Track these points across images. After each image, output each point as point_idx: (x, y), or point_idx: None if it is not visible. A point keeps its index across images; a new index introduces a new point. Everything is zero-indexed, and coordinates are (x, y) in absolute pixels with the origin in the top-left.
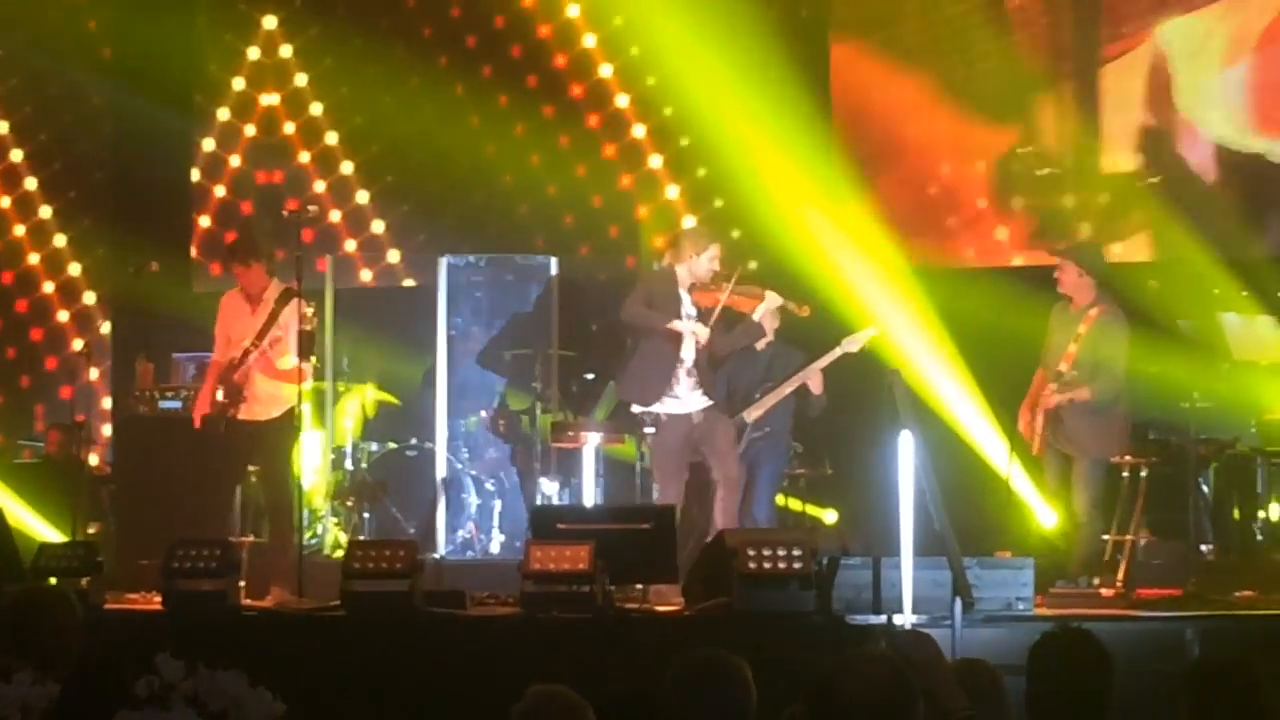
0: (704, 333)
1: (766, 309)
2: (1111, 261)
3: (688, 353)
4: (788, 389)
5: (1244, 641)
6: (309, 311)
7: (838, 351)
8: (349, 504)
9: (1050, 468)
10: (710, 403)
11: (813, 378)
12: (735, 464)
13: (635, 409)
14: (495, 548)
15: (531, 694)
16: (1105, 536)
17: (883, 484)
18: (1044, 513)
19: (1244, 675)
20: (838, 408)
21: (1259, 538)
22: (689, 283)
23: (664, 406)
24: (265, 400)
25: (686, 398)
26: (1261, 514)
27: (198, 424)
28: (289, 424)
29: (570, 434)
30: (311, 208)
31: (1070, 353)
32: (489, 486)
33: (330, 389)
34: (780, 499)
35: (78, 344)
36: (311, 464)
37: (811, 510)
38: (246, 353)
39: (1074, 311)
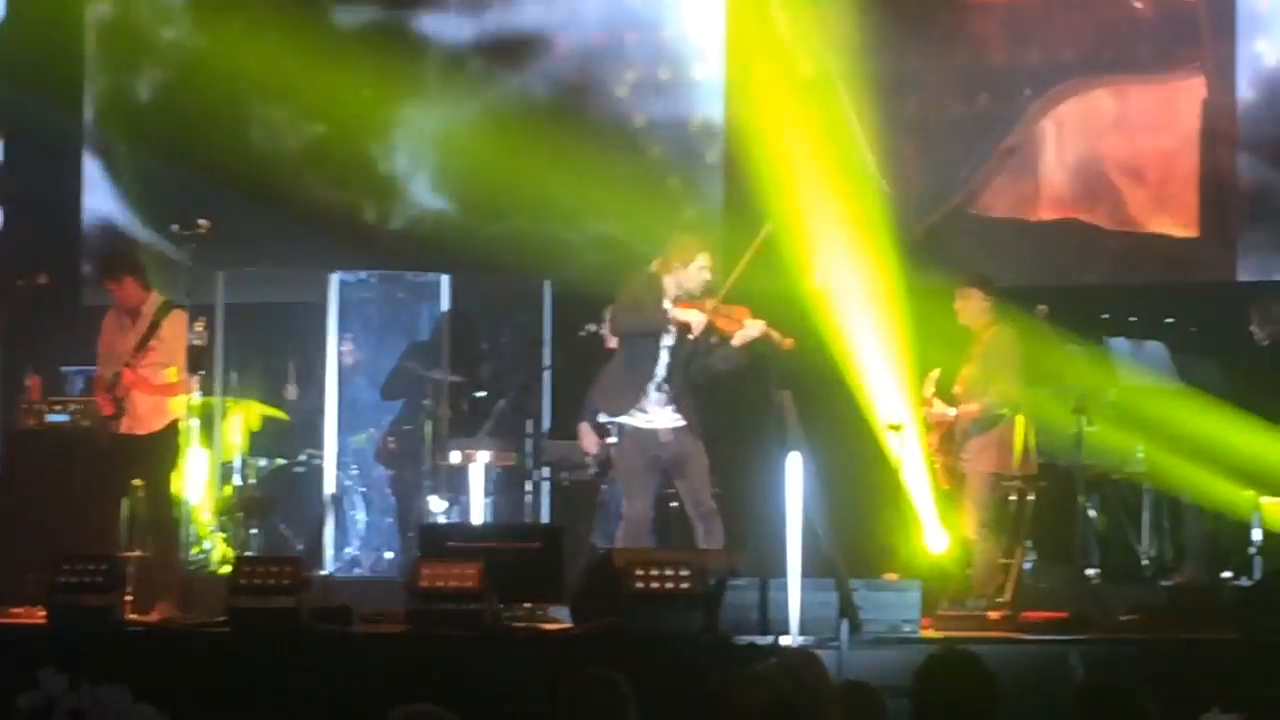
0: (700, 319)
1: (745, 336)
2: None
3: (661, 368)
4: None
5: (1129, 665)
6: (199, 326)
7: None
8: (236, 519)
9: (955, 490)
10: (683, 423)
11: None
12: (709, 497)
13: (601, 418)
14: (384, 565)
15: (398, 714)
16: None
17: (771, 505)
18: (934, 535)
19: (1129, 700)
20: (726, 428)
21: (1144, 562)
22: (674, 293)
23: (630, 419)
24: (146, 415)
25: (655, 414)
26: (1147, 538)
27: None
28: (171, 438)
29: (460, 452)
30: (201, 223)
31: (964, 374)
32: (378, 504)
33: (219, 404)
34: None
35: None
36: (199, 479)
37: None
38: (126, 366)
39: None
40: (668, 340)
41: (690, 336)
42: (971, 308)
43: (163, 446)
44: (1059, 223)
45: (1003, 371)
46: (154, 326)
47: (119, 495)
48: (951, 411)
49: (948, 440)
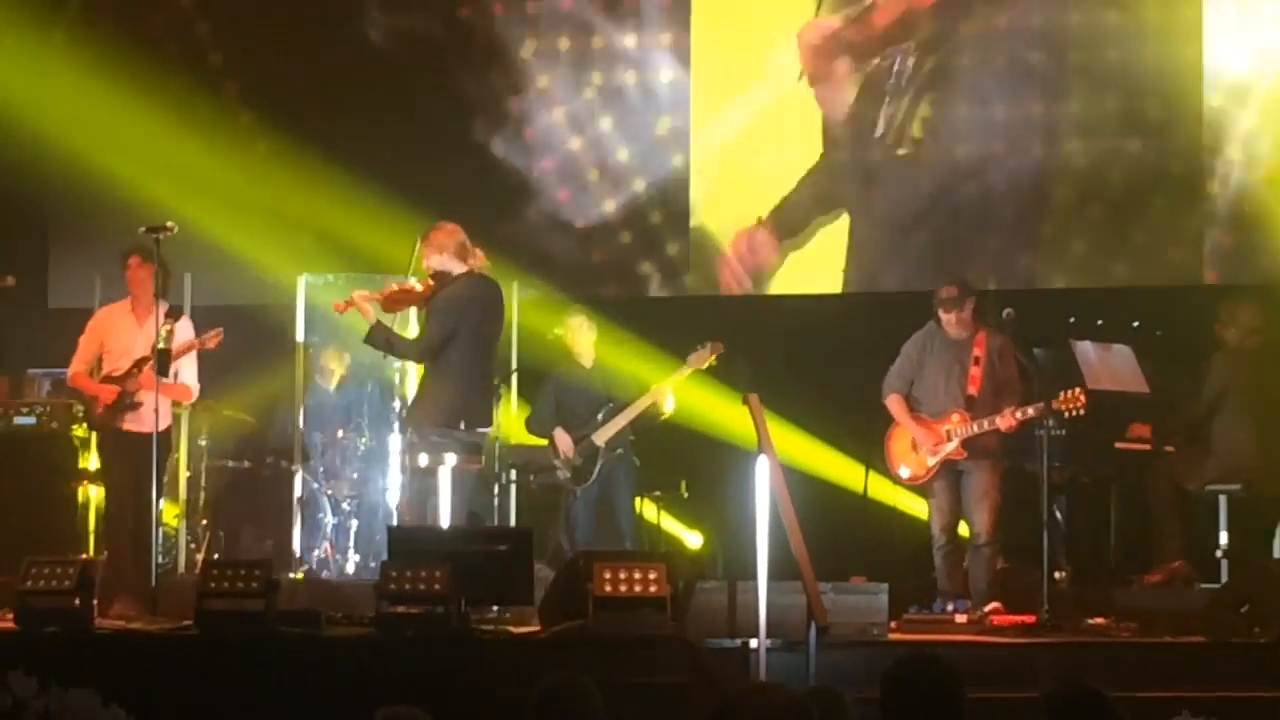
0: None
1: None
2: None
3: None
4: (637, 409)
5: (1096, 668)
6: (166, 329)
7: (685, 369)
8: (204, 522)
9: (941, 490)
10: None
11: (663, 396)
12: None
13: None
14: (351, 568)
15: (382, 715)
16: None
17: (739, 507)
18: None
19: (1099, 704)
20: (693, 430)
21: (1111, 565)
22: None
23: None
24: (150, 414)
25: None
26: (1114, 541)
27: (108, 403)
28: (169, 440)
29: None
30: (170, 224)
31: (974, 376)
32: (345, 506)
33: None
34: (653, 517)
35: None
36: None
37: (672, 531)
38: (138, 364)
39: (951, 340)
40: None
41: None
42: (963, 318)
43: (163, 447)
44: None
45: (1013, 377)
46: (168, 329)
47: (121, 490)
48: (988, 423)
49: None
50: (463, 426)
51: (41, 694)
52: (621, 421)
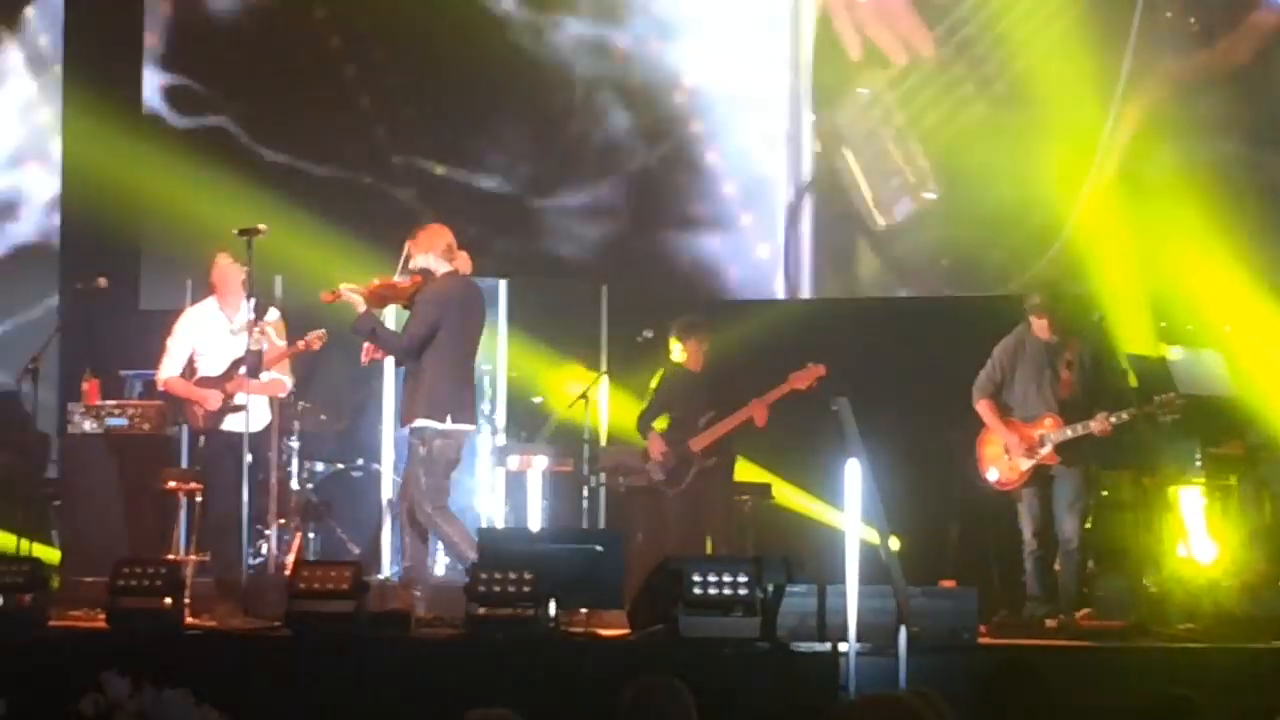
0: None
1: None
2: None
3: None
4: (734, 422)
5: (1186, 674)
6: (259, 330)
7: (785, 387)
8: (294, 524)
9: (1032, 494)
10: None
11: (758, 411)
12: None
13: None
14: (440, 570)
15: (471, 717)
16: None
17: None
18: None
19: (1190, 710)
20: (785, 435)
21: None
22: None
23: None
24: (253, 413)
25: None
26: (1204, 547)
27: (213, 407)
28: (268, 439)
29: (517, 457)
30: (262, 226)
31: (1066, 380)
32: None
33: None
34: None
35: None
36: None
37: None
38: (235, 365)
39: (1043, 343)
40: None
41: None
42: (1055, 323)
43: (261, 446)
44: None
45: (1107, 381)
46: (260, 330)
47: (219, 491)
48: (1082, 427)
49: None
50: (449, 421)
51: (135, 695)
52: (719, 431)
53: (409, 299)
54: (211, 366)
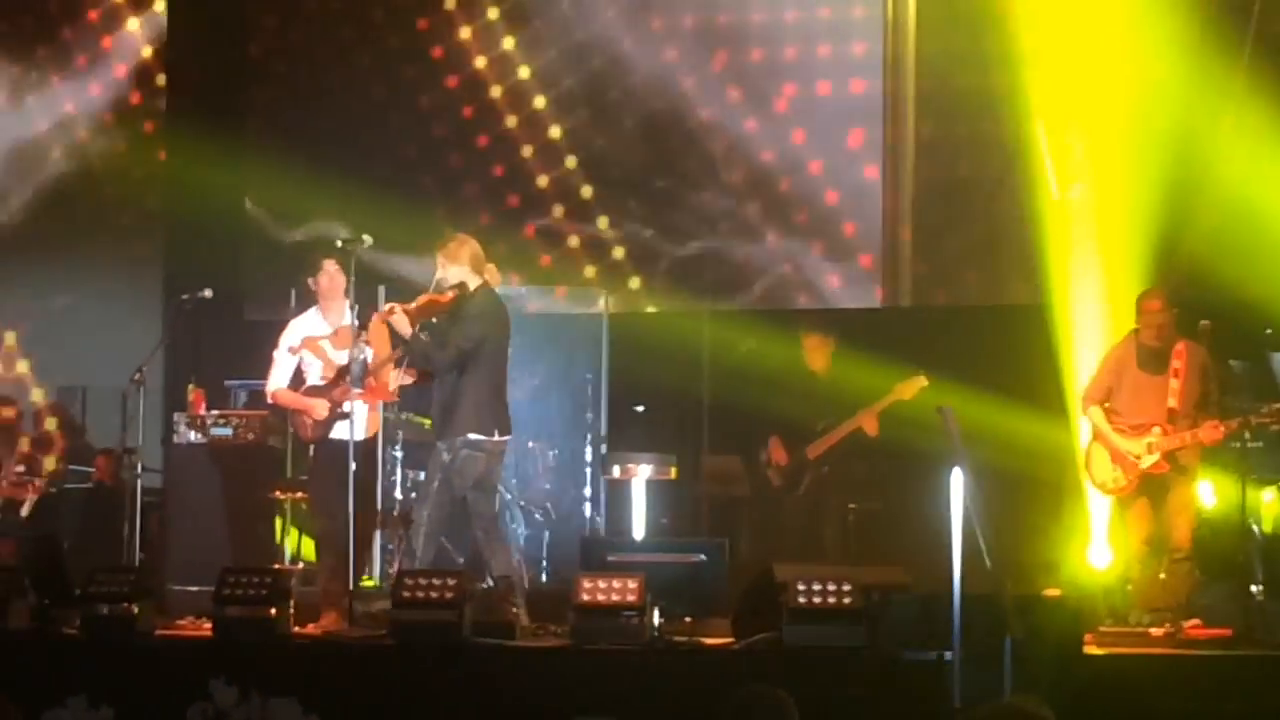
0: None
1: None
2: None
3: None
4: (846, 430)
5: None
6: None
7: (890, 397)
8: (398, 533)
9: (1139, 502)
10: None
11: (868, 420)
12: None
13: None
14: (544, 578)
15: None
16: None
17: (934, 520)
18: (1098, 551)
19: None
20: (888, 443)
21: None
22: None
23: None
24: (360, 421)
25: None
26: None
27: (320, 416)
28: (375, 447)
29: (620, 466)
30: (365, 237)
31: (1174, 388)
32: (538, 517)
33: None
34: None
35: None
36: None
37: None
38: (341, 373)
39: (1153, 350)
40: None
41: None
42: (1166, 324)
43: (371, 454)
44: None
45: (1213, 389)
46: (367, 338)
47: (326, 498)
48: (1190, 436)
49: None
50: (496, 435)
51: (242, 703)
52: (832, 439)
53: (449, 312)
54: (318, 376)
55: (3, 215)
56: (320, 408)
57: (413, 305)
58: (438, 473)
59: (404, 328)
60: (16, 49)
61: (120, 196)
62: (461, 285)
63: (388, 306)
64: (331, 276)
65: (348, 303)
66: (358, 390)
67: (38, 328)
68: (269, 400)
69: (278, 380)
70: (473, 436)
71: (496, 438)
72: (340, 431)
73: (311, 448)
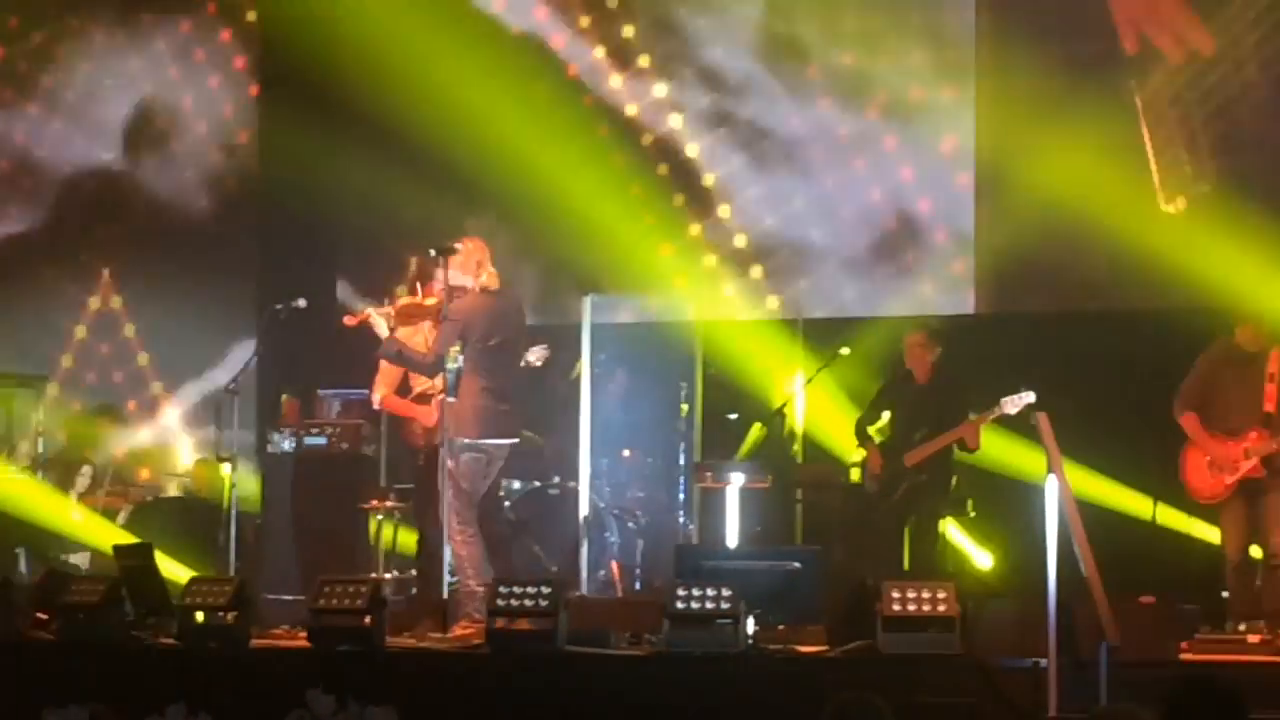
0: None
1: None
2: None
3: None
4: (945, 440)
5: None
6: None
7: (996, 411)
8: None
9: (1236, 508)
10: None
11: (970, 432)
12: None
13: None
14: (638, 586)
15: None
16: None
17: (1027, 527)
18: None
19: None
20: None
21: None
22: None
23: None
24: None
25: None
26: None
27: (432, 422)
28: None
29: (713, 474)
30: (456, 245)
31: (1270, 392)
32: (631, 525)
33: None
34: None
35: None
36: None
37: (962, 550)
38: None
39: (1249, 354)
40: None
41: None
42: (1259, 331)
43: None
44: None
45: None
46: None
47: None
48: None
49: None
50: (495, 438)
51: (340, 712)
52: (930, 449)
53: (437, 316)
54: (426, 383)
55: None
56: (429, 414)
57: (392, 308)
58: (445, 478)
59: (381, 330)
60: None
61: (215, 205)
62: (453, 290)
63: (363, 312)
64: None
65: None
66: (452, 399)
67: (138, 333)
68: (377, 408)
69: (383, 387)
70: (471, 440)
71: (496, 441)
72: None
73: (421, 456)
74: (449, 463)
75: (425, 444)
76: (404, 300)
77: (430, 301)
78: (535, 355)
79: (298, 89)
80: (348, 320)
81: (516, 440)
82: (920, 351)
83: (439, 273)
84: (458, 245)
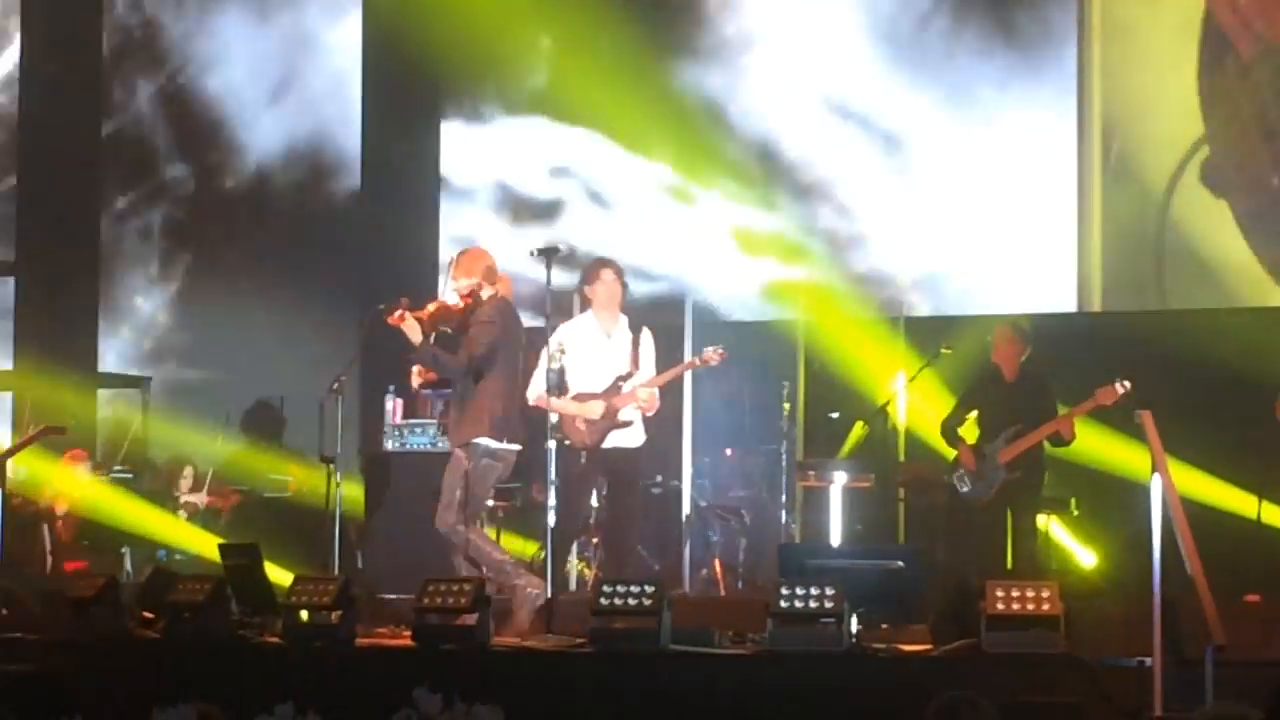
0: None
1: None
2: None
3: None
4: (1040, 435)
5: None
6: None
7: (1092, 404)
8: (594, 541)
9: None
10: None
11: (1066, 425)
12: None
13: None
14: (740, 585)
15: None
16: None
17: (1131, 525)
18: None
19: None
20: (1082, 449)
21: None
22: None
23: None
24: (634, 430)
25: None
26: None
27: (595, 415)
28: (637, 456)
29: (816, 473)
30: (561, 246)
31: None
32: (733, 524)
33: None
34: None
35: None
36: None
37: (1066, 549)
38: (620, 380)
39: None
40: None
41: None
42: None
43: (640, 462)
44: None
45: None
46: (635, 344)
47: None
48: None
49: None
50: (507, 443)
51: (447, 710)
52: (1024, 445)
53: (462, 320)
54: (584, 383)
55: None
56: (594, 407)
57: (424, 312)
58: (460, 480)
59: (415, 334)
60: None
61: (320, 208)
62: (474, 294)
63: (398, 311)
64: (608, 285)
65: (619, 311)
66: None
67: (239, 334)
68: (531, 404)
69: (536, 387)
70: (486, 443)
71: (508, 445)
72: (617, 439)
73: (583, 455)
74: (466, 464)
75: (591, 443)
76: (434, 304)
77: (457, 306)
78: (711, 356)
79: (403, 104)
80: (392, 321)
81: (522, 448)
82: (1008, 348)
83: (452, 278)
84: (560, 247)
